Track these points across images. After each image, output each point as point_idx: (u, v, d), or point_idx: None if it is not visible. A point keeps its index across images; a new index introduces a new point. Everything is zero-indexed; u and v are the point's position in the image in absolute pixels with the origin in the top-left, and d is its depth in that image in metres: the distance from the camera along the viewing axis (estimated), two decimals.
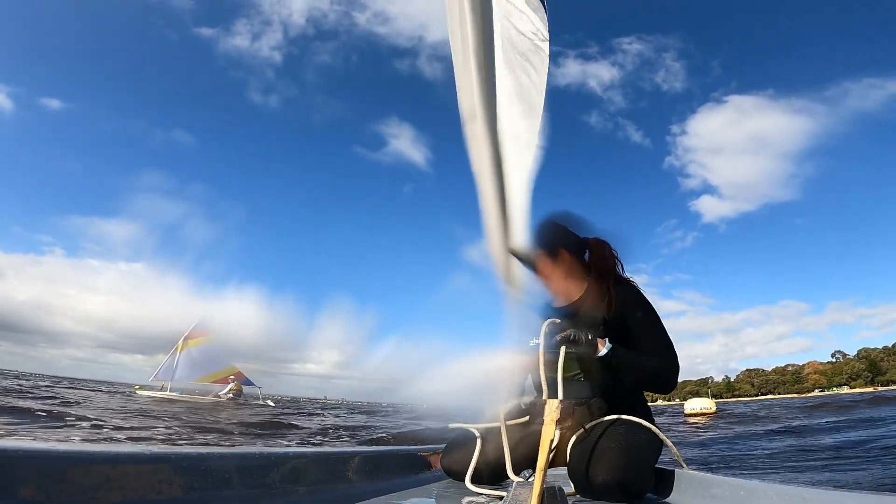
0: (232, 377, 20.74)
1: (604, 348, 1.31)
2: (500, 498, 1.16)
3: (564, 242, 1.52)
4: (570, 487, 1.26)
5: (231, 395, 19.39)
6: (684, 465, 1.31)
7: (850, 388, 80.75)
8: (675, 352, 1.39)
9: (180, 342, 21.07)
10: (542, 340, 1.34)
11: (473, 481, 1.26)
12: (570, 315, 1.47)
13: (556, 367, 1.29)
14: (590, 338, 1.30)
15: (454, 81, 0.62)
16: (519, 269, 0.76)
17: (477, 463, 1.29)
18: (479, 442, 1.31)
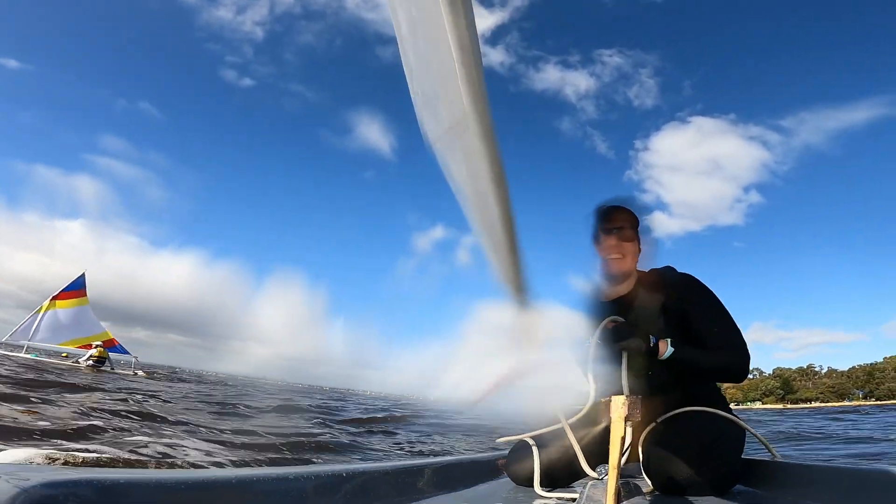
0: (98, 343, 18.00)
1: (666, 351, 1.24)
2: (573, 500, 1.12)
3: (638, 226, 1.45)
4: (645, 484, 1.20)
5: (91, 361, 16.86)
6: (776, 455, 1.22)
7: (763, 403, 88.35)
8: (743, 341, 1.30)
9: (46, 301, 18.23)
10: (595, 341, 1.28)
11: (541, 485, 1.22)
12: (623, 307, 1.41)
13: (620, 363, 1.24)
14: (651, 344, 1.24)
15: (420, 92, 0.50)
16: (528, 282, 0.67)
17: (542, 466, 1.24)
18: (535, 447, 1.26)
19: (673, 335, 1.30)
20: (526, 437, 1.31)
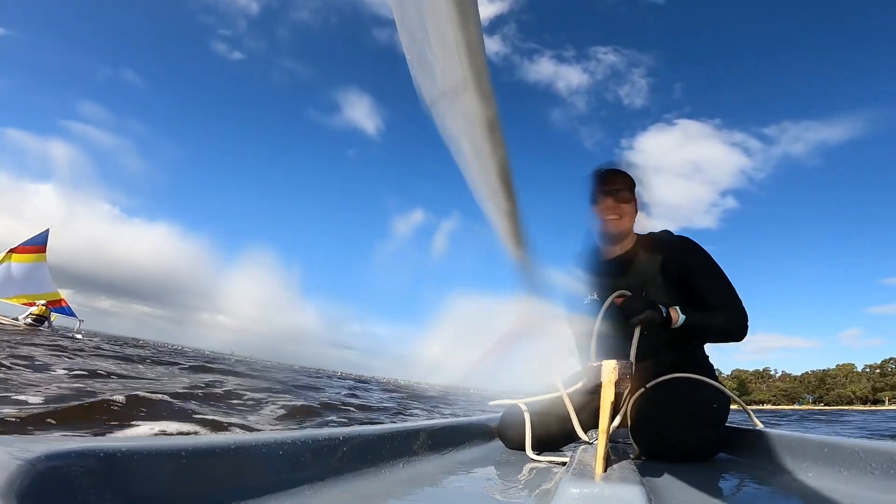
0: (42, 302, 17.34)
1: (679, 319, 1.26)
2: (563, 464, 1.16)
3: (635, 188, 1.47)
4: (633, 449, 1.24)
5: (30, 319, 16.26)
6: (759, 424, 1.26)
7: None
8: (741, 300, 1.33)
9: (2, 254, 17.32)
10: (601, 315, 1.30)
11: (534, 449, 1.27)
12: (623, 266, 1.43)
13: (624, 334, 1.26)
14: (664, 314, 1.25)
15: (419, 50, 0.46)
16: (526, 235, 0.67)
17: (534, 431, 1.29)
18: (526, 412, 1.30)
19: (673, 297, 1.32)
20: (518, 401, 1.35)
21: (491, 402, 1.46)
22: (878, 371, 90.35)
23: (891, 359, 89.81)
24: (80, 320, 18.62)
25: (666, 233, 1.46)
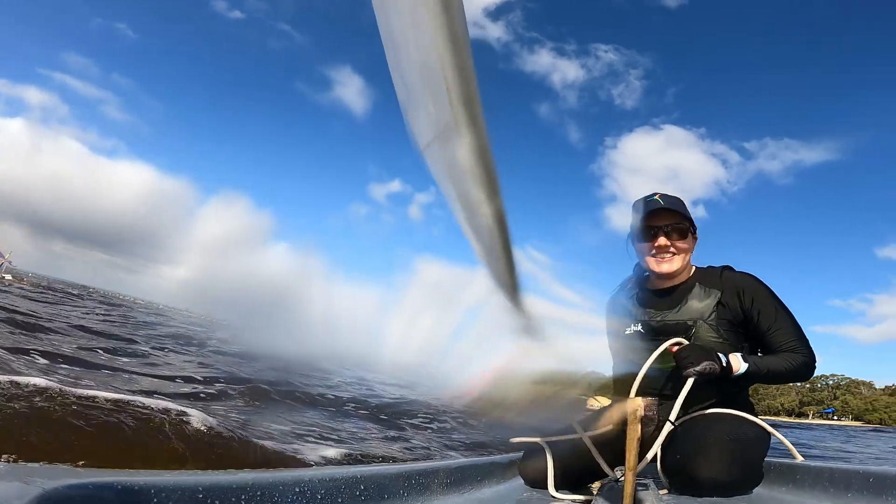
0: None
1: (740, 368, 1.21)
2: (588, 502, 1.10)
3: (692, 222, 1.39)
4: (663, 485, 1.18)
5: None
6: (798, 456, 1.19)
7: None
8: (808, 342, 1.26)
9: None
10: (652, 362, 1.24)
11: (556, 487, 1.21)
12: (674, 298, 1.35)
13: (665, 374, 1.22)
14: (724, 364, 1.19)
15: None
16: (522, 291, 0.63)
17: (556, 468, 1.23)
18: (548, 449, 1.24)
19: (727, 338, 1.26)
20: (539, 439, 1.30)
21: (513, 439, 1.40)
22: (807, 386, 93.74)
23: (822, 376, 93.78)
24: (7, 261, 17.89)
25: (727, 269, 1.38)
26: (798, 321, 1.28)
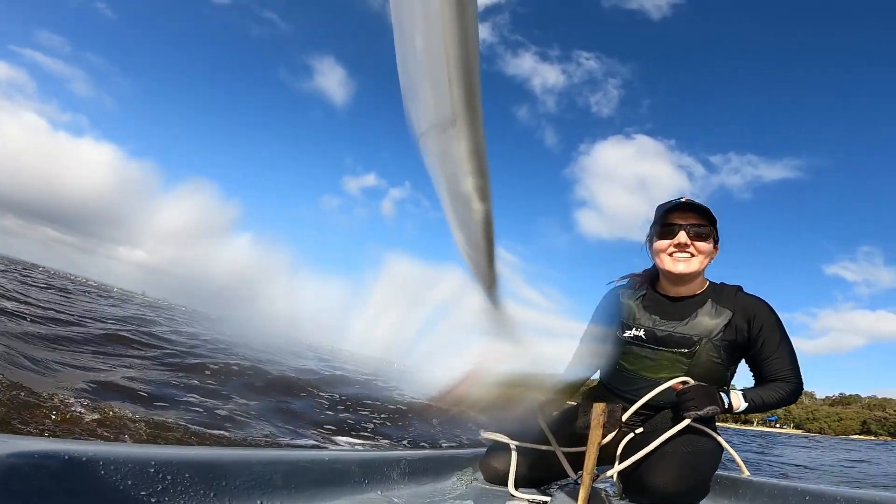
0: None
1: (741, 406, 1.24)
2: (544, 503, 1.13)
3: (716, 226, 1.35)
4: (618, 491, 1.21)
5: None
6: (745, 472, 1.24)
7: None
8: (800, 371, 1.30)
9: None
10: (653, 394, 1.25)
11: (515, 486, 1.23)
12: (685, 309, 1.33)
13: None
14: (727, 405, 1.22)
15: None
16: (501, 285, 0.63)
17: (518, 467, 1.25)
18: (513, 449, 1.26)
19: (724, 359, 1.28)
20: (502, 437, 1.31)
21: (481, 433, 1.41)
22: None
23: None
24: None
25: (739, 289, 1.36)
26: (795, 351, 1.30)
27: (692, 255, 1.30)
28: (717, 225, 1.35)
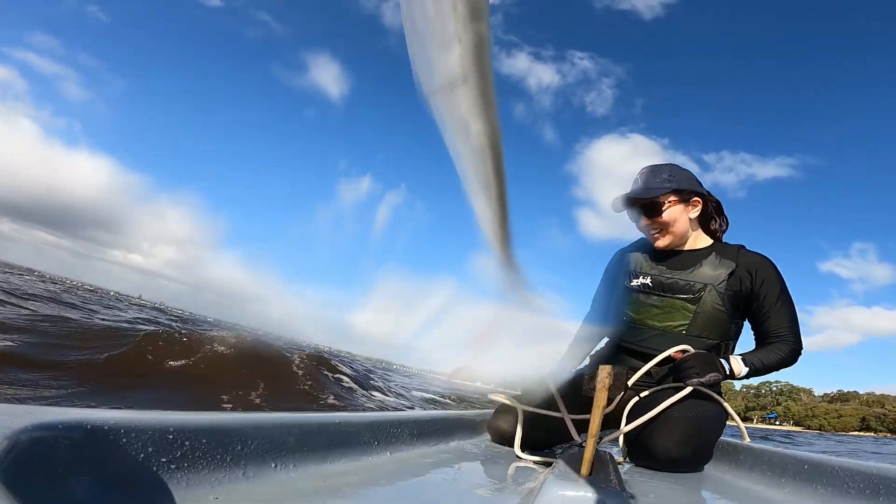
0: None
1: (741, 372, 1.25)
2: (549, 465, 1.16)
3: (698, 191, 1.40)
4: (622, 454, 1.24)
5: None
6: (747, 438, 1.26)
7: None
8: (799, 331, 1.32)
9: None
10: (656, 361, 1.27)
11: (521, 448, 1.27)
12: (688, 260, 1.37)
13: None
14: (728, 371, 1.24)
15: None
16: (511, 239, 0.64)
17: (525, 429, 1.29)
18: (520, 409, 1.29)
19: (727, 312, 1.30)
20: (509, 400, 1.35)
21: (489, 395, 1.45)
22: (752, 392, 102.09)
23: (766, 382, 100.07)
24: None
25: (742, 247, 1.40)
26: (795, 310, 1.33)
27: (661, 230, 1.37)
28: (692, 180, 1.39)
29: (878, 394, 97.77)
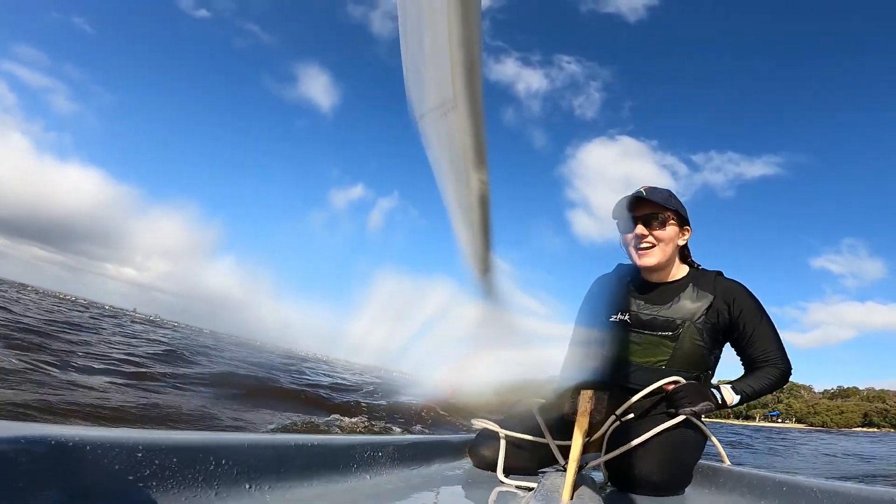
0: None
1: (733, 401, 1.26)
2: (530, 489, 1.15)
3: (687, 217, 1.39)
4: (604, 478, 1.23)
5: None
6: (727, 461, 1.27)
7: None
8: (785, 351, 1.32)
9: None
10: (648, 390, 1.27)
11: (504, 472, 1.25)
12: (666, 294, 1.37)
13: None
14: (720, 401, 1.25)
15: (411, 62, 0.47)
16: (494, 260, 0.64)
17: (507, 454, 1.27)
18: (502, 435, 1.27)
19: (707, 343, 1.31)
20: (492, 424, 1.33)
21: (473, 421, 1.42)
22: None
23: None
24: None
25: (720, 274, 1.40)
26: (778, 332, 1.34)
27: (653, 245, 1.34)
28: (686, 209, 1.39)
29: (878, 389, 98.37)
